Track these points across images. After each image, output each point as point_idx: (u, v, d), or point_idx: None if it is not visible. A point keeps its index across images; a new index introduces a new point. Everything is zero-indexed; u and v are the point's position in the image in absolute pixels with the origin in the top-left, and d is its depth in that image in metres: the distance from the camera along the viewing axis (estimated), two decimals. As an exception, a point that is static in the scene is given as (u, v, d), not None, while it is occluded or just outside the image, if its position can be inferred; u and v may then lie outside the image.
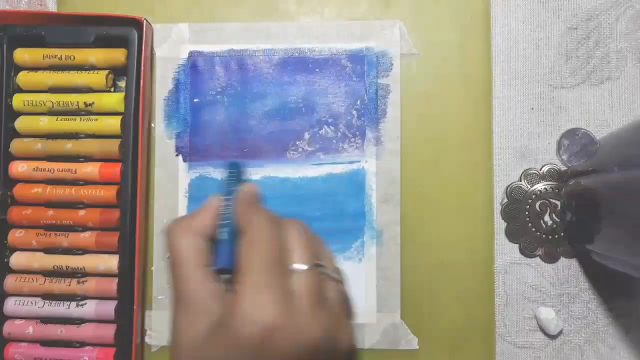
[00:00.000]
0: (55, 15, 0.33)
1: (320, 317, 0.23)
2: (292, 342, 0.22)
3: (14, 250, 0.33)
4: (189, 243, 0.25)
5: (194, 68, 0.34)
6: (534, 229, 0.34)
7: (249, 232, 0.24)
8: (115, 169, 0.32)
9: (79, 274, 0.32)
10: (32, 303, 0.32)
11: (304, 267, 0.24)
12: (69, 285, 0.32)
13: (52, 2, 0.36)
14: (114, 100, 0.33)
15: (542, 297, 0.33)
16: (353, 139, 0.33)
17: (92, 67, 0.33)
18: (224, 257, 0.25)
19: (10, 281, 0.32)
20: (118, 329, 0.32)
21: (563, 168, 0.34)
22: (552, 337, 0.33)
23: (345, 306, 0.25)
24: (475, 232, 0.33)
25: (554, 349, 0.33)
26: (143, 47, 0.32)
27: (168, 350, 0.25)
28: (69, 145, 0.32)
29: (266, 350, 0.21)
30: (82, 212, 0.32)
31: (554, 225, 0.33)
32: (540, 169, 0.34)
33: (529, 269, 0.34)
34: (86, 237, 0.32)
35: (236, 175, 0.29)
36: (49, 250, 0.32)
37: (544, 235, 0.33)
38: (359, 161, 0.33)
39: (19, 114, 0.33)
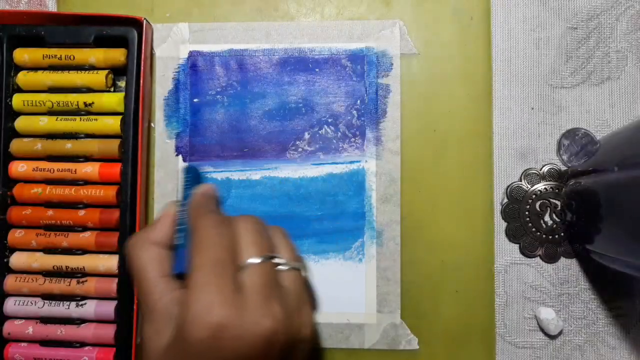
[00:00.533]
0: (55, 15, 0.33)
1: (273, 310, 0.23)
2: (243, 337, 0.21)
3: (13, 250, 0.33)
4: (149, 255, 0.25)
5: (194, 68, 0.34)
6: (534, 229, 0.33)
7: (195, 233, 0.24)
8: (115, 169, 0.32)
9: (79, 274, 0.32)
10: (32, 303, 0.32)
11: (257, 260, 0.23)
12: (69, 285, 0.32)
13: (51, 2, 0.36)
14: (114, 100, 0.32)
15: (542, 297, 0.33)
16: (353, 139, 0.33)
17: (92, 67, 0.33)
18: (180, 261, 0.25)
19: (10, 281, 0.32)
20: (118, 329, 0.32)
21: (563, 168, 0.34)
22: (552, 337, 0.33)
23: (304, 295, 0.25)
24: (475, 232, 0.33)
25: (554, 349, 0.33)
26: (143, 47, 0.32)
27: None
28: (68, 145, 0.32)
29: (219, 351, 0.21)
30: (81, 212, 0.32)
31: (554, 225, 0.33)
32: (541, 169, 0.34)
33: (529, 269, 0.34)
34: (86, 237, 0.32)
35: (192, 180, 0.29)
36: (49, 250, 0.32)
37: (544, 235, 0.33)
38: (359, 161, 0.33)
39: (18, 113, 0.33)
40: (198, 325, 0.21)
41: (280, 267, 0.25)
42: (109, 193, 0.32)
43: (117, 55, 0.32)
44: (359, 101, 0.34)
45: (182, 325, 0.22)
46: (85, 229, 0.32)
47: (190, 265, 0.23)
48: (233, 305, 0.22)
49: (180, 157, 0.34)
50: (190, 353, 0.21)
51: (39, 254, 0.32)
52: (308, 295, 0.26)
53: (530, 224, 0.34)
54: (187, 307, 0.22)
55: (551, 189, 0.34)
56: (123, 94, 0.33)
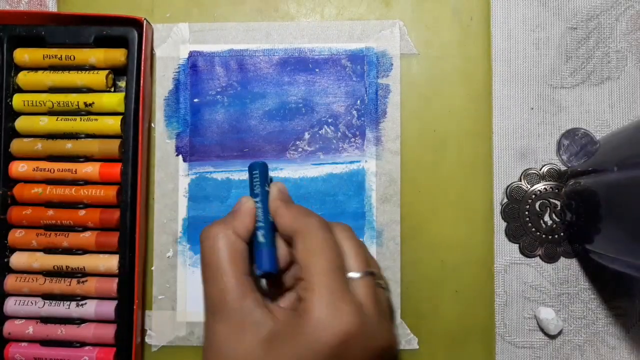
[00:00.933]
0: (55, 15, 0.33)
1: (384, 325, 0.23)
2: (365, 350, 0.21)
3: (14, 250, 0.33)
4: (232, 249, 0.23)
5: (194, 68, 0.34)
6: (533, 229, 0.34)
7: (306, 238, 0.23)
8: (115, 169, 0.32)
9: (79, 274, 0.32)
10: (32, 303, 0.32)
11: (358, 274, 0.23)
12: (69, 285, 0.32)
13: (52, 2, 0.36)
14: (114, 100, 0.33)
15: (542, 297, 0.33)
16: (353, 139, 0.33)
17: (92, 67, 0.33)
18: (266, 260, 0.24)
19: (10, 281, 0.32)
20: (118, 329, 0.32)
21: (563, 168, 0.34)
22: (552, 337, 0.33)
23: (391, 312, 0.25)
24: (475, 232, 0.33)
25: (553, 349, 0.33)
26: (143, 47, 0.32)
27: None
28: (69, 145, 0.32)
29: (341, 358, 0.21)
30: (82, 212, 0.32)
31: (554, 225, 0.33)
32: (540, 169, 0.34)
33: (528, 269, 0.34)
34: (86, 237, 0.32)
35: (260, 176, 0.27)
36: (49, 250, 0.32)
37: (543, 235, 0.33)
38: (359, 161, 0.33)
39: (19, 114, 0.33)
40: (327, 331, 0.21)
41: (376, 284, 0.24)
42: (109, 193, 0.32)
43: (117, 55, 0.32)
44: (359, 101, 0.34)
45: (299, 330, 0.21)
46: (85, 229, 0.32)
47: (303, 270, 0.22)
48: (360, 316, 0.21)
49: (180, 157, 0.34)
50: (305, 357, 0.21)
51: (40, 254, 0.32)
52: (393, 316, 0.27)
53: (530, 224, 0.34)
54: (311, 312, 0.21)
55: (551, 189, 0.34)
56: (123, 94, 0.33)
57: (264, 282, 0.28)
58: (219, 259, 0.23)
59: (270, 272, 0.24)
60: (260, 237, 0.25)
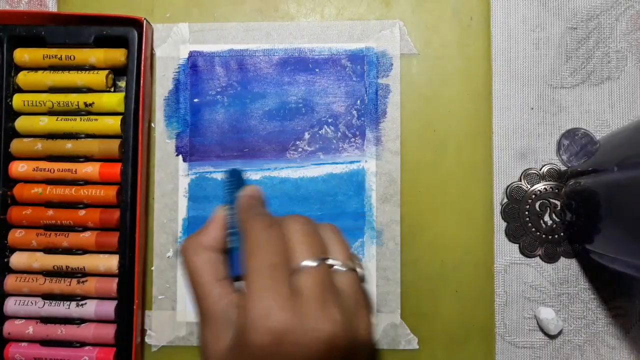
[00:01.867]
0: (55, 15, 0.33)
1: (331, 314, 0.22)
2: (303, 342, 0.21)
3: (14, 250, 0.33)
4: (203, 259, 0.24)
5: (194, 68, 0.34)
6: (533, 229, 0.34)
7: (247, 237, 0.24)
8: (115, 169, 0.32)
9: (79, 274, 0.32)
10: (32, 303, 0.32)
11: (313, 263, 0.23)
12: (69, 285, 0.32)
13: (52, 2, 0.36)
14: (114, 100, 0.33)
15: (542, 297, 0.33)
16: (353, 139, 0.33)
17: (92, 67, 0.33)
18: (236, 264, 0.25)
19: (10, 281, 0.32)
20: (118, 329, 0.32)
21: (563, 168, 0.34)
22: (552, 337, 0.33)
23: (361, 296, 0.25)
24: (475, 232, 0.33)
25: (553, 349, 0.33)
26: (143, 47, 0.32)
27: None
28: (69, 145, 0.32)
29: (280, 357, 0.21)
30: (82, 212, 0.32)
31: (554, 225, 0.33)
32: (540, 169, 0.34)
33: (528, 269, 0.34)
34: (86, 237, 0.32)
35: (235, 182, 0.28)
36: (49, 250, 0.32)
37: (543, 235, 0.33)
38: (359, 161, 0.33)
39: (18, 114, 0.33)
40: (258, 330, 0.21)
41: (335, 268, 0.24)
42: (109, 193, 0.32)
43: (117, 55, 0.32)
44: (359, 101, 0.34)
45: (241, 330, 0.21)
46: (85, 229, 0.32)
47: (244, 269, 0.23)
48: (291, 310, 0.21)
49: (180, 157, 0.34)
50: (251, 358, 0.21)
51: (40, 254, 0.32)
52: (364, 296, 0.25)
53: (530, 224, 0.34)
54: (246, 312, 0.21)
55: (551, 189, 0.34)
56: (123, 94, 0.33)
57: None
58: (192, 270, 0.24)
59: (239, 276, 0.25)
60: (231, 242, 0.26)
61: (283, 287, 0.22)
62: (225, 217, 0.26)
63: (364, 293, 0.25)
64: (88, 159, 0.33)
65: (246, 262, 0.23)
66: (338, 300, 0.23)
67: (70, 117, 0.33)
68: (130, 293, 0.32)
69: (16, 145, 0.33)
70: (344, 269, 0.24)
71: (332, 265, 0.24)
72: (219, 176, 0.34)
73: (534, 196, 0.34)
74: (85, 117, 0.33)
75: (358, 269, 0.25)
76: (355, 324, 0.23)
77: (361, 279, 0.25)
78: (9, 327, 0.32)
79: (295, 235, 0.24)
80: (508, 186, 0.34)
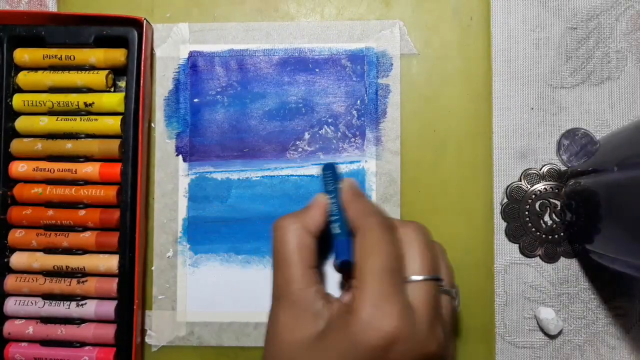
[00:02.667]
0: (55, 15, 0.33)
1: (436, 333, 0.22)
2: (409, 355, 0.21)
3: (14, 250, 0.33)
4: (300, 242, 0.24)
5: (194, 68, 0.34)
6: (533, 229, 0.34)
7: (365, 236, 0.23)
8: (115, 169, 0.32)
9: (79, 274, 0.32)
10: (32, 303, 0.32)
11: (420, 277, 0.23)
12: (69, 285, 0.32)
13: (52, 2, 0.36)
14: (114, 100, 0.33)
15: (542, 297, 0.33)
16: (353, 139, 0.33)
17: (92, 67, 0.33)
18: (342, 250, 0.25)
19: (10, 281, 0.32)
20: (118, 329, 0.32)
21: (563, 168, 0.34)
22: (552, 337, 0.33)
23: (454, 323, 0.24)
24: (475, 232, 0.33)
25: (554, 349, 0.33)
26: (143, 47, 0.32)
27: (264, 347, 0.24)
28: (69, 145, 0.32)
29: (383, 359, 0.21)
30: (82, 212, 0.32)
31: (554, 225, 0.33)
32: (540, 169, 0.34)
33: (528, 269, 0.34)
34: (86, 237, 0.32)
35: (332, 175, 0.29)
36: (49, 250, 0.32)
37: (543, 235, 0.33)
38: (359, 161, 0.33)
39: (18, 114, 0.33)
40: (371, 332, 0.21)
41: (441, 289, 0.24)
42: (109, 193, 0.32)
43: (117, 55, 0.32)
44: (359, 101, 0.34)
45: (345, 325, 0.21)
46: (85, 229, 0.32)
47: (357, 268, 0.22)
48: (406, 321, 0.21)
49: (180, 157, 0.34)
50: (348, 355, 0.21)
51: (39, 254, 0.32)
52: (456, 325, 0.25)
53: (530, 224, 0.34)
54: (359, 311, 0.21)
55: (551, 189, 0.34)
56: (123, 94, 0.33)
57: (336, 276, 0.30)
58: (286, 250, 0.24)
59: (347, 261, 0.24)
60: (336, 228, 0.26)
61: (401, 296, 0.22)
62: (328, 204, 0.26)
63: (457, 319, 0.25)
64: (88, 159, 0.33)
65: (364, 260, 0.22)
66: (441, 322, 0.23)
67: (70, 117, 0.33)
68: (130, 293, 0.32)
69: (16, 145, 0.33)
70: (447, 293, 0.24)
71: (441, 286, 0.24)
72: (219, 176, 0.34)
73: (534, 196, 0.34)
74: (85, 117, 0.33)
75: (456, 298, 0.25)
76: (448, 350, 0.23)
77: (454, 309, 0.25)
78: (9, 327, 0.32)
79: (414, 244, 0.24)
80: (508, 186, 0.34)
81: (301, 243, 0.24)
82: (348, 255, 0.25)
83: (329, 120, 0.34)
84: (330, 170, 0.30)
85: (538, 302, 0.33)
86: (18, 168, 0.33)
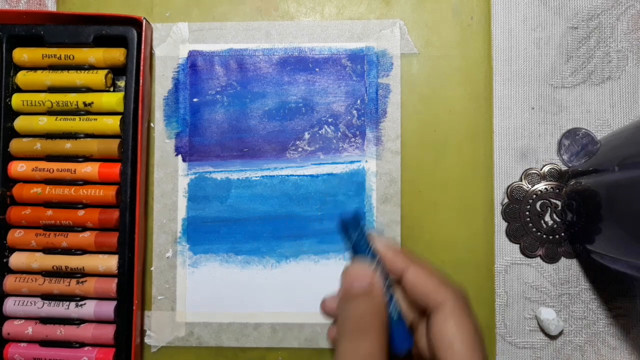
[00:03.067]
0: (54, 14, 0.33)
1: None
2: None
3: (13, 250, 0.33)
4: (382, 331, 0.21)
5: (194, 68, 0.34)
6: (534, 229, 0.33)
7: (452, 314, 0.21)
8: (114, 169, 0.32)
9: (79, 274, 0.32)
10: (31, 303, 0.32)
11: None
12: (69, 285, 0.32)
13: (51, 2, 0.36)
14: (113, 100, 0.32)
15: (543, 298, 0.33)
16: (353, 139, 0.33)
17: (92, 67, 0.33)
18: (400, 337, 0.22)
19: (9, 281, 0.32)
20: (117, 329, 0.32)
21: (564, 168, 0.34)
22: (553, 337, 0.33)
23: None
24: (476, 232, 0.33)
25: (554, 350, 0.33)
26: (142, 47, 0.32)
27: None
28: (68, 145, 0.32)
29: None
30: (81, 212, 0.32)
31: (555, 226, 0.33)
32: (541, 169, 0.34)
33: (529, 269, 0.34)
34: (85, 237, 0.32)
35: (361, 231, 0.23)
36: (48, 250, 0.32)
37: (544, 236, 0.33)
38: (359, 161, 0.33)
39: (18, 113, 0.33)
40: None
41: None
42: (108, 193, 0.32)
43: (116, 54, 0.32)
44: (359, 101, 0.33)
45: None
46: (84, 229, 0.32)
47: (450, 349, 0.20)
48: None
49: (179, 157, 0.34)
50: None
51: (39, 254, 0.32)
52: None
53: (530, 224, 0.33)
54: None
55: (552, 189, 0.33)
56: (122, 93, 0.33)
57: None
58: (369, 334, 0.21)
59: (405, 349, 0.22)
60: (394, 313, 0.22)
61: None
62: (377, 276, 0.22)
63: None
64: (87, 158, 0.32)
65: (453, 342, 0.20)
66: None
67: (69, 117, 0.32)
68: (130, 293, 0.32)
69: (15, 145, 0.33)
70: None
71: None
72: (219, 176, 0.34)
73: (534, 196, 0.33)
74: (85, 116, 0.32)
75: None
76: None
77: None
78: (9, 328, 0.32)
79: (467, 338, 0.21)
80: (509, 186, 0.34)
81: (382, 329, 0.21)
82: (409, 340, 0.21)
83: (329, 120, 0.34)
84: (356, 225, 0.23)
85: (539, 303, 0.33)
86: (17, 168, 0.32)
